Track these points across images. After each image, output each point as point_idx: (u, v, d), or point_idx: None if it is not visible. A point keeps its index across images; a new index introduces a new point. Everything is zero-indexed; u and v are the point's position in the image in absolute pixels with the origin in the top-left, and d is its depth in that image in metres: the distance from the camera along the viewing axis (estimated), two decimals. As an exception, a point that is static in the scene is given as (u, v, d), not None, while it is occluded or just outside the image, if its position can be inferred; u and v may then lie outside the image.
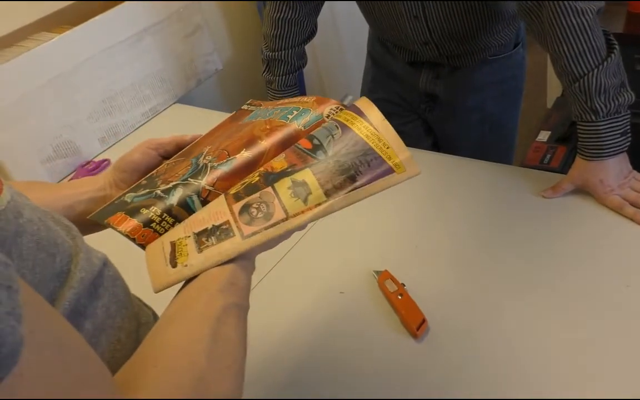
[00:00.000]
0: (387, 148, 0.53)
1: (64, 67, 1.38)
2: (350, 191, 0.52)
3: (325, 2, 1.24)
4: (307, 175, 0.53)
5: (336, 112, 0.60)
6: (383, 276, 0.87)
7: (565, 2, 0.85)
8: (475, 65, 1.18)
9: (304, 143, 0.57)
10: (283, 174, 0.54)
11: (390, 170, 0.53)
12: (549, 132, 2.03)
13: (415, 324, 0.78)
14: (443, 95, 1.24)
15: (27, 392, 0.27)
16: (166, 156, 0.68)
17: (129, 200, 0.58)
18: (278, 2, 1.17)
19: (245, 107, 0.73)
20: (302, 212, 0.52)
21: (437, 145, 1.37)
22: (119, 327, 0.46)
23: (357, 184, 0.52)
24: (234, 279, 0.49)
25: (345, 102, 0.63)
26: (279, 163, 0.56)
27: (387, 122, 0.54)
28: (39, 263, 0.39)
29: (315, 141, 0.56)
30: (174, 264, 0.50)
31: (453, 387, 0.72)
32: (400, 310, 0.81)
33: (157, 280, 0.50)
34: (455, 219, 0.98)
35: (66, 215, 0.59)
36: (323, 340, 0.82)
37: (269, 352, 0.82)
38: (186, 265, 0.49)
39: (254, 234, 0.51)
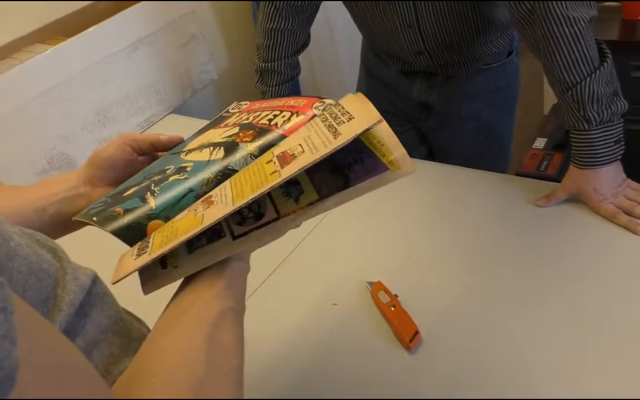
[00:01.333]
0: (382, 145, 0.51)
1: (58, 78, 1.38)
2: (343, 190, 0.51)
3: (321, 11, 1.24)
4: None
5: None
6: (376, 287, 0.86)
7: (558, 11, 0.85)
8: (469, 74, 1.18)
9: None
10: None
11: (384, 168, 0.51)
12: (546, 139, 2.03)
13: (408, 336, 0.78)
14: (437, 104, 1.24)
15: None
16: (141, 154, 0.67)
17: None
18: (271, 12, 1.17)
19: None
20: (294, 211, 0.51)
21: (432, 154, 1.37)
22: (111, 342, 0.46)
23: (351, 182, 0.51)
24: (229, 282, 0.48)
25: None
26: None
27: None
28: (30, 288, 0.38)
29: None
30: (163, 265, 0.49)
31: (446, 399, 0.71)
32: (393, 321, 0.81)
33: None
34: (449, 228, 0.97)
35: (38, 218, 0.59)
36: (315, 353, 0.81)
37: (261, 365, 0.81)
38: (176, 266, 0.49)
39: (245, 234, 0.50)
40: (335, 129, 0.49)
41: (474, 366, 0.74)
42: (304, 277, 0.95)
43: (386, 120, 0.51)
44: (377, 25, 1.14)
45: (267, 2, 1.16)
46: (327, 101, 0.59)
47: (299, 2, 1.16)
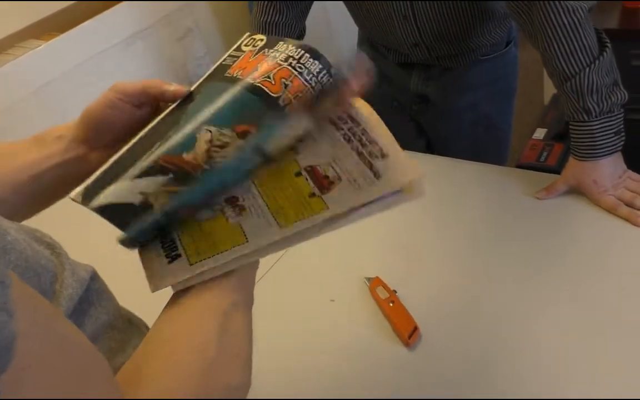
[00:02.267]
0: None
1: (53, 74, 1.37)
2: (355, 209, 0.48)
3: (318, 3, 1.22)
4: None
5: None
6: (374, 283, 0.85)
7: (556, 1, 0.83)
8: (467, 65, 1.17)
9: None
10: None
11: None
12: (545, 130, 2.02)
13: (407, 332, 0.77)
14: (435, 96, 1.23)
15: (33, 385, 0.27)
16: (140, 105, 0.57)
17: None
18: (265, 5, 1.15)
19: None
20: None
21: (430, 146, 1.36)
22: (109, 337, 0.46)
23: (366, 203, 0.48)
24: (240, 275, 0.48)
25: None
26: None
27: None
28: (27, 282, 0.38)
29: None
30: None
31: (445, 395, 0.70)
32: (392, 317, 0.80)
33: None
34: (448, 222, 0.96)
35: (34, 187, 0.54)
36: (313, 349, 0.81)
37: (259, 361, 0.80)
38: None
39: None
40: (371, 164, 0.48)
41: (473, 362, 0.73)
42: (302, 273, 0.94)
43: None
44: (373, 17, 1.13)
45: (262, -5, 1.15)
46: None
47: None
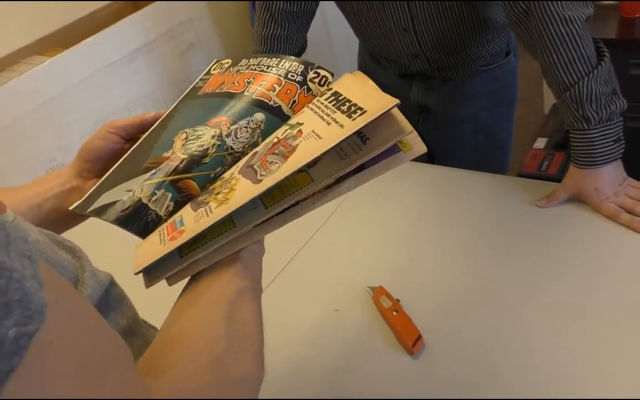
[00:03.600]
0: None
1: (57, 89, 1.38)
2: (358, 173, 0.50)
3: (318, 15, 1.23)
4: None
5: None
6: (378, 292, 0.86)
7: (553, 11, 0.84)
8: (467, 76, 1.18)
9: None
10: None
11: (396, 149, 0.50)
12: (546, 139, 2.03)
13: (411, 341, 0.77)
14: (435, 106, 1.23)
15: (58, 361, 0.28)
16: (128, 139, 0.65)
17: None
18: (266, 19, 1.16)
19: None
20: (313, 195, 0.50)
21: (431, 156, 1.36)
22: (129, 343, 0.46)
23: (365, 165, 0.49)
24: (246, 263, 0.49)
25: None
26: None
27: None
28: None
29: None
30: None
31: (450, 405, 0.71)
32: (396, 326, 0.80)
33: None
34: (450, 231, 0.97)
35: (34, 215, 0.59)
36: (318, 359, 0.81)
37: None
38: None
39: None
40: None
41: (477, 370, 0.74)
42: (306, 283, 0.95)
43: None
44: (373, 29, 1.14)
45: (263, 9, 1.16)
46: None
47: (294, 8, 1.15)
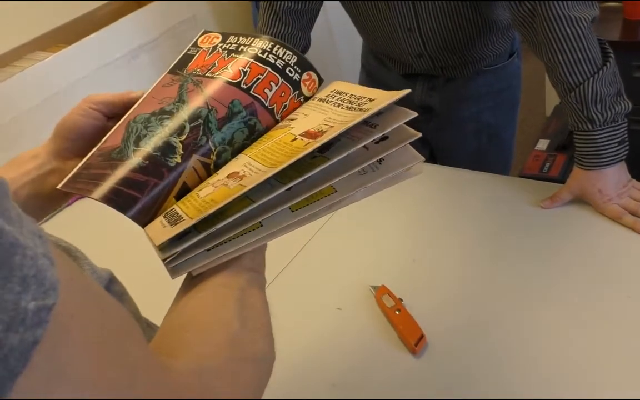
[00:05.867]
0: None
1: (59, 86, 1.38)
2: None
3: (322, 14, 1.23)
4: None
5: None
6: (380, 291, 0.85)
7: (559, 12, 0.84)
8: (471, 76, 1.18)
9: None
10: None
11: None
12: (548, 141, 2.02)
13: (413, 340, 0.77)
14: (439, 106, 1.23)
15: (81, 333, 0.28)
16: (112, 116, 0.59)
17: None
18: (270, 17, 1.16)
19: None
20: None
21: (434, 157, 1.36)
22: None
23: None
24: (252, 255, 0.49)
25: None
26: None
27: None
28: None
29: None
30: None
31: (453, 405, 0.70)
32: (398, 325, 0.80)
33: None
34: (453, 231, 0.96)
35: None
36: (320, 358, 0.81)
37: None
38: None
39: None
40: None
41: (479, 370, 0.73)
42: (308, 282, 0.94)
43: None
44: (377, 28, 1.14)
45: (267, 7, 1.16)
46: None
47: (299, 6, 1.15)
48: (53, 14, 1.52)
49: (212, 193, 0.49)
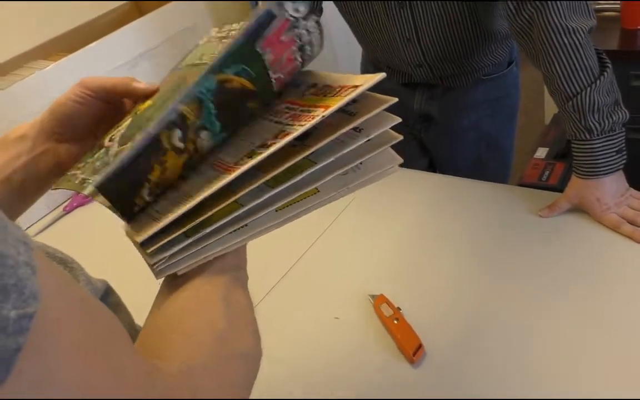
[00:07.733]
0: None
1: (60, 94, 1.38)
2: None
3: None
4: None
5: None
6: (378, 300, 0.86)
7: (557, 22, 0.85)
8: (470, 85, 1.18)
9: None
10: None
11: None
12: (547, 149, 2.03)
13: (411, 349, 0.77)
14: (438, 115, 1.24)
15: (67, 336, 0.28)
16: (107, 101, 0.56)
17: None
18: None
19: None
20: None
21: (433, 165, 1.37)
22: None
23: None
24: (235, 252, 0.49)
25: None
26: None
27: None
28: None
29: None
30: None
31: (451, 414, 0.71)
32: (396, 334, 0.80)
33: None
34: (451, 240, 0.97)
35: (5, 190, 0.54)
36: (318, 367, 0.81)
37: (262, 379, 0.80)
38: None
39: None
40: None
41: (478, 379, 0.73)
42: (306, 290, 0.94)
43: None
44: (377, 38, 1.14)
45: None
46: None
47: None
48: (54, 23, 1.53)
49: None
